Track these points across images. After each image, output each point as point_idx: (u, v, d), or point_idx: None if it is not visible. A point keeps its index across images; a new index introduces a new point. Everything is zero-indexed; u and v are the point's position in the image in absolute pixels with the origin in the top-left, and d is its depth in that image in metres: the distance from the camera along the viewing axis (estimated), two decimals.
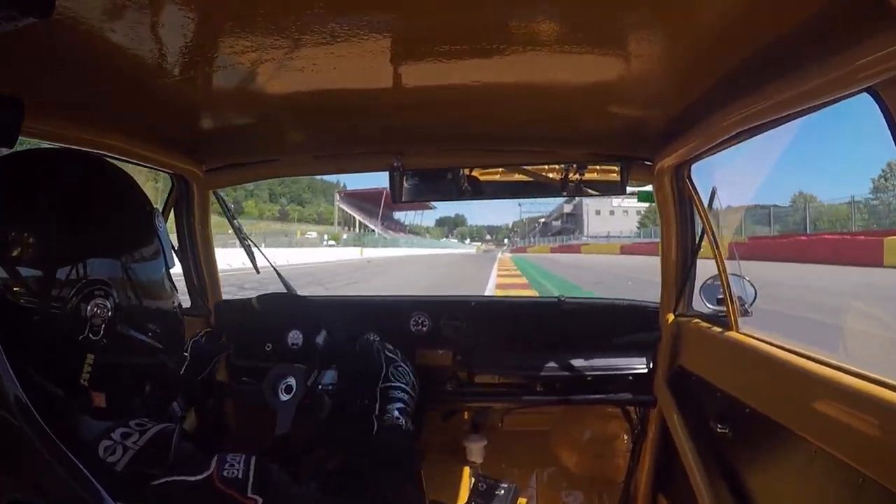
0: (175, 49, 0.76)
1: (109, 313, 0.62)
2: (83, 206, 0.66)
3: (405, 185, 1.36)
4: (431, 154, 1.40)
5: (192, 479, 0.55)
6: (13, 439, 0.41)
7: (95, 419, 0.59)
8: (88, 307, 0.61)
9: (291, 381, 1.05)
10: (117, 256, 0.66)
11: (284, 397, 1.03)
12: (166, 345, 0.74)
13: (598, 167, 1.32)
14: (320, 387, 1.12)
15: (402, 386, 1.03)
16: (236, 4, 0.65)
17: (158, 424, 0.58)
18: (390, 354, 1.08)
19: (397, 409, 0.98)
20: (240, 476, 0.58)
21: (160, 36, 0.71)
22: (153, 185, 2.05)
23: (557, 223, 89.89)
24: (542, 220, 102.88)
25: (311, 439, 1.05)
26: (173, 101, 0.98)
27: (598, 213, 77.15)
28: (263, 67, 0.84)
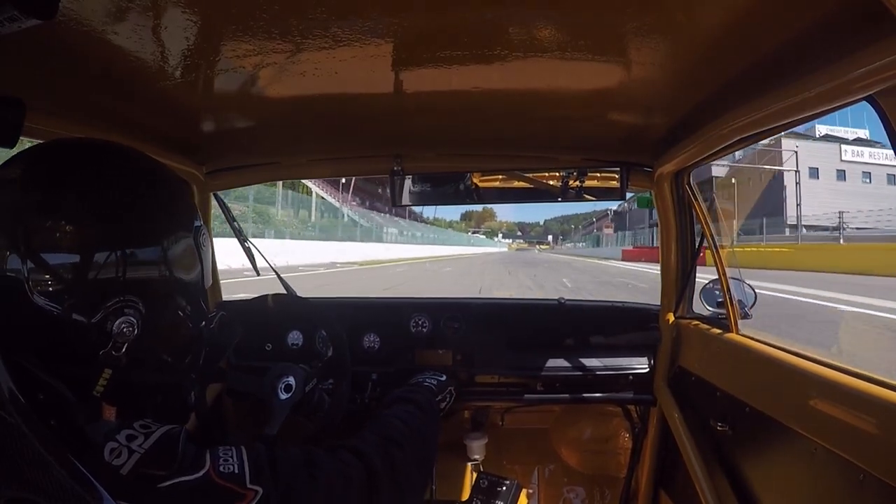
0: (177, 51, 0.76)
1: (136, 332, 0.60)
2: (127, 208, 0.63)
3: (405, 188, 1.36)
4: (431, 158, 1.40)
5: (191, 477, 0.54)
6: (9, 436, 0.41)
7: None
8: (115, 323, 0.59)
9: (291, 380, 1.05)
10: (154, 272, 0.64)
11: (283, 396, 1.03)
12: (188, 365, 0.72)
13: (597, 173, 1.33)
14: (321, 386, 1.12)
15: (417, 377, 1.24)
16: (239, 8, 0.65)
17: (163, 426, 0.57)
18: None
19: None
20: (236, 470, 0.57)
21: (162, 38, 0.72)
22: None
23: None
24: (615, 209, 67.66)
25: (310, 440, 1.05)
26: (175, 103, 0.98)
27: (811, 173, 30.83)
28: (265, 71, 0.84)
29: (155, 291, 0.64)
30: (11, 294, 0.56)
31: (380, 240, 33.58)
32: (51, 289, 0.57)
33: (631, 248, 37.11)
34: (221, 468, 0.57)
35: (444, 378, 1.24)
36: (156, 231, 0.65)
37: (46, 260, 0.57)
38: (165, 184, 0.70)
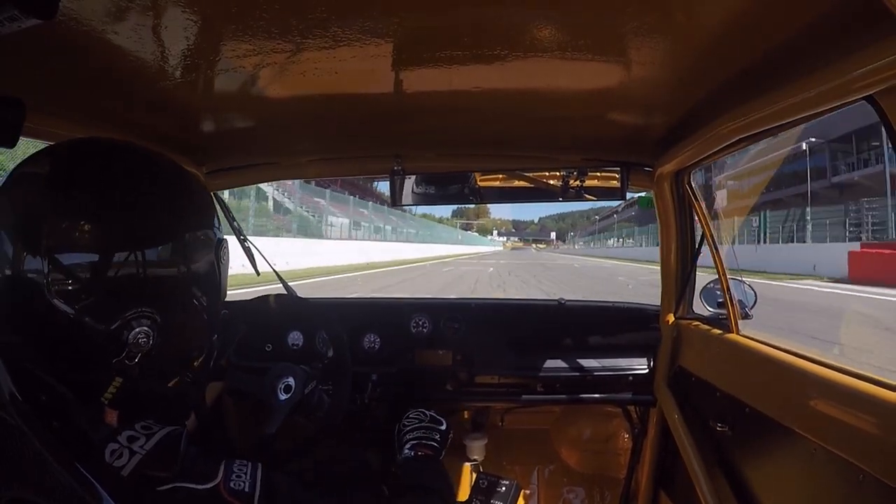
0: (177, 51, 0.76)
1: (151, 342, 0.60)
2: (145, 210, 0.62)
3: (405, 188, 1.37)
4: (432, 158, 1.40)
5: (200, 487, 0.54)
6: (10, 437, 0.41)
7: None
8: (132, 333, 0.58)
9: (291, 381, 1.05)
10: (174, 284, 0.63)
11: (283, 396, 1.03)
12: (195, 375, 0.72)
13: (598, 173, 1.33)
14: (321, 387, 1.12)
15: (416, 426, 1.12)
16: (239, 8, 0.65)
17: (164, 428, 0.57)
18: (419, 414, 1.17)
19: (409, 446, 1.07)
20: (246, 489, 0.57)
21: (162, 38, 0.72)
22: None
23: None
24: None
25: (310, 439, 1.05)
26: (174, 103, 0.98)
27: None
28: (265, 71, 0.84)
29: (172, 302, 0.63)
30: (27, 294, 0.55)
31: (318, 234, 21.99)
32: (68, 290, 0.56)
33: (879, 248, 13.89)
34: (232, 484, 0.56)
35: (444, 427, 1.14)
36: (175, 236, 0.64)
37: (64, 261, 0.56)
38: (185, 187, 0.70)
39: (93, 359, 0.58)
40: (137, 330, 0.59)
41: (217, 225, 0.72)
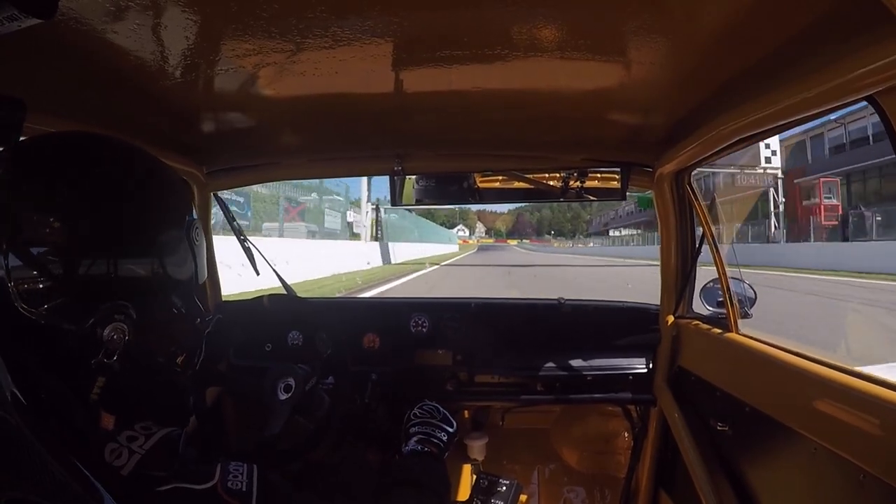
0: (177, 51, 0.76)
1: (127, 337, 0.58)
2: (115, 203, 0.60)
3: (405, 188, 1.37)
4: (432, 158, 1.40)
5: (197, 488, 0.54)
6: (10, 437, 0.41)
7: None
8: (105, 331, 0.57)
9: (291, 381, 1.04)
10: (145, 272, 0.61)
11: (283, 396, 1.03)
12: (184, 365, 0.70)
13: (598, 173, 1.33)
14: (321, 386, 1.12)
15: (426, 419, 1.12)
16: (238, 8, 0.65)
17: (163, 428, 0.57)
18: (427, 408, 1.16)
19: (415, 439, 1.07)
20: (244, 489, 0.57)
21: (162, 38, 0.72)
22: None
23: None
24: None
25: (310, 439, 1.05)
26: (174, 103, 0.98)
27: None
28: (265, 70, 0.84)
29: (146, 292, 0.62)
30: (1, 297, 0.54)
31: None
32: (36, 291, 0.55)
33: None
34: (230, 484, 0.56)
35: (452, 430, 1.11)
36: (146, 227, 0.63)
37: (31, 261, 0.55)
38: (157, 177, 0.68)
39: (71, 360, 0.57)
40: (111, 326, 0.57)
41: (190, 208, 0.70)
